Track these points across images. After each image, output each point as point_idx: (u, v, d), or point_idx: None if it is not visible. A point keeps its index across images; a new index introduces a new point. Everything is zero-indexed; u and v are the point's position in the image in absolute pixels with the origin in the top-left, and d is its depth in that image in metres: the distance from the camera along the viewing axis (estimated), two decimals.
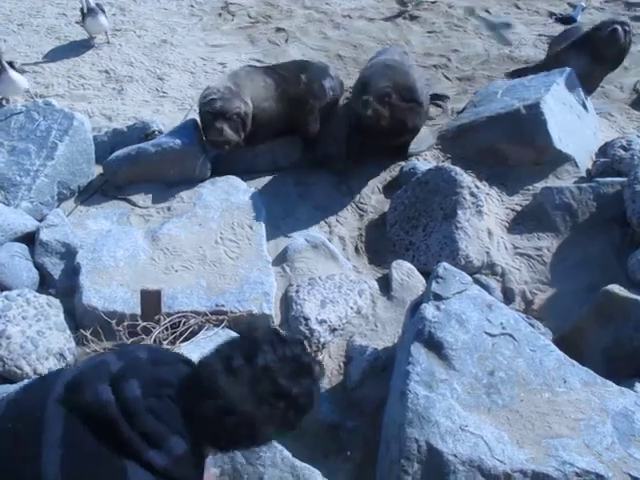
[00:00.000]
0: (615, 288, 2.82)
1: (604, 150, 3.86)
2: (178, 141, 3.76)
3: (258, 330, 1.53)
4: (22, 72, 4.71)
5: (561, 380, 2.24)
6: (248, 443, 1.47)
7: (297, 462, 2.13)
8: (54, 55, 5.39)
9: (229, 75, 4.11)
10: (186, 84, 5.09)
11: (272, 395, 1.39)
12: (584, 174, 3.73)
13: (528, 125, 3.76)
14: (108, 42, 5.62)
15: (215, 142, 3.76)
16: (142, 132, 4.15)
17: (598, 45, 4.22)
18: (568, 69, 4.25)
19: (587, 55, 4.32)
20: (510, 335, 2.36)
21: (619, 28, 4.14)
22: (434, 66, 5.32)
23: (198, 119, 4.11)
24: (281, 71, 4.19)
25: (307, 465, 2.14)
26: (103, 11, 5.47)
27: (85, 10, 5.37)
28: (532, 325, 2.73)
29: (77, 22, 5.73)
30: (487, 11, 6.29)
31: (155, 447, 1.29)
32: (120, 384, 1.33)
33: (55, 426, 1.30)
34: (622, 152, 3.70)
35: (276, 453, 2.14)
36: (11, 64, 4.57)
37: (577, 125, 4.04)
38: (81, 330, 2.85)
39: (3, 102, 4.61)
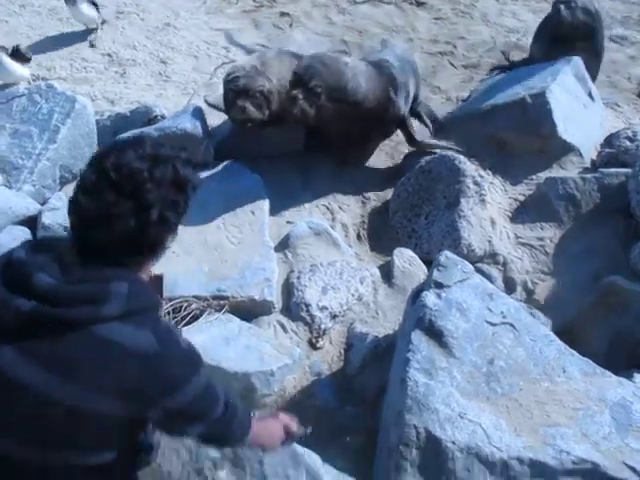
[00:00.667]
0: (617, 279, 2.82)
1: (609, 141, 3.84)
2: (181, 125, 3.74)
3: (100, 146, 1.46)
4: (26, 56, 4.66)
5: (560, 370, 2.24)
6: (164, 236, 1.42)
7: (297, 447, 2.14)
8: (56, 37, 5.35)
9: (257, 55, 4.08)
10: (189, 68, 5.06)
11: (137, 188, 1.32)
12: (588, 164, 3.71)
13: (533, 114, 3.73)
14: (101, 28, 5.33)
15: (237, 120, 3.72)
16: (145, 116, 4.13)
17: (552, 30, 4.17)
18: (575, 57, 4.22)
19: (547, 42, 4.26)
20: (511, 324, 2.36)
21: (562, 7, 4.07)
22: (440, 53, 5.28)
23: (202, 103, 4.08)
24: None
25: (307, 450, 2.15)
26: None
27: None
28: (533, 315, 2.74)
29: None
30: None
31: (101, 304, 1.27)
32: (29, 285, 1.27)
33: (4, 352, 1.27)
34: (628, 143, 3.67)
35: None
36: (16, 48, 4.55)
37: (583, 115, 4.01)
38: None
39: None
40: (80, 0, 5.05)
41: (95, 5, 5.21)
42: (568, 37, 4.16)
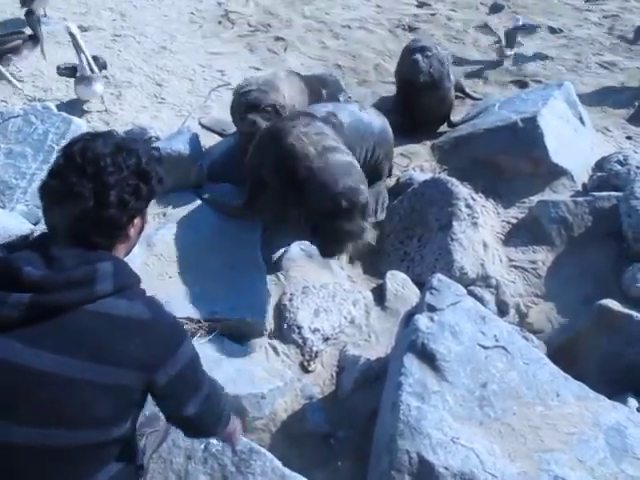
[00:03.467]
0: (609, 303, 2.81)
1: (600, 164, 3.88)
2: (175, 147, 3.75)
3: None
4: (104, 67, 4.83)
5: (554, 394, 2.22)
6: (122, 218, 1.47)
7: (287, 471, 2.11)
8: (53, 59, 5.39)
9: (270, 72, 4.11)
10: (185, 91, 5.10)
11: (99, 170, 1.40)
12: (580, 188, 3.74)
13: (525, 138, 3.77)
14: (106, 110, 4.75)
15: (248, 134, 3.65)
16: (139, 137, 4.15)
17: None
18: (566, 83, 4.28)
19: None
20: (503, 348, 2.35)
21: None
22: None
23: (196, 125, 4.10)
24: (309, 79, 4.23)
25: (297, 474, 2.12)
26: (98, 78, 4.63)
27: (78, 74, 4.58)
28: (526, 338, 2.73)
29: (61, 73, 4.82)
30: (486, 25, 6.34)
31: (93, 284, 1.34)
32: (21, 279, 1.32)
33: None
34: (618, 167, 3.71)
35: (266, 462, 2.12)
36: (95, 58, 4.65)
37: (574, 139, 4.05)
38: None
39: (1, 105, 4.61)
40: (95, 80, 4.56)
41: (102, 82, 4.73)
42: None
